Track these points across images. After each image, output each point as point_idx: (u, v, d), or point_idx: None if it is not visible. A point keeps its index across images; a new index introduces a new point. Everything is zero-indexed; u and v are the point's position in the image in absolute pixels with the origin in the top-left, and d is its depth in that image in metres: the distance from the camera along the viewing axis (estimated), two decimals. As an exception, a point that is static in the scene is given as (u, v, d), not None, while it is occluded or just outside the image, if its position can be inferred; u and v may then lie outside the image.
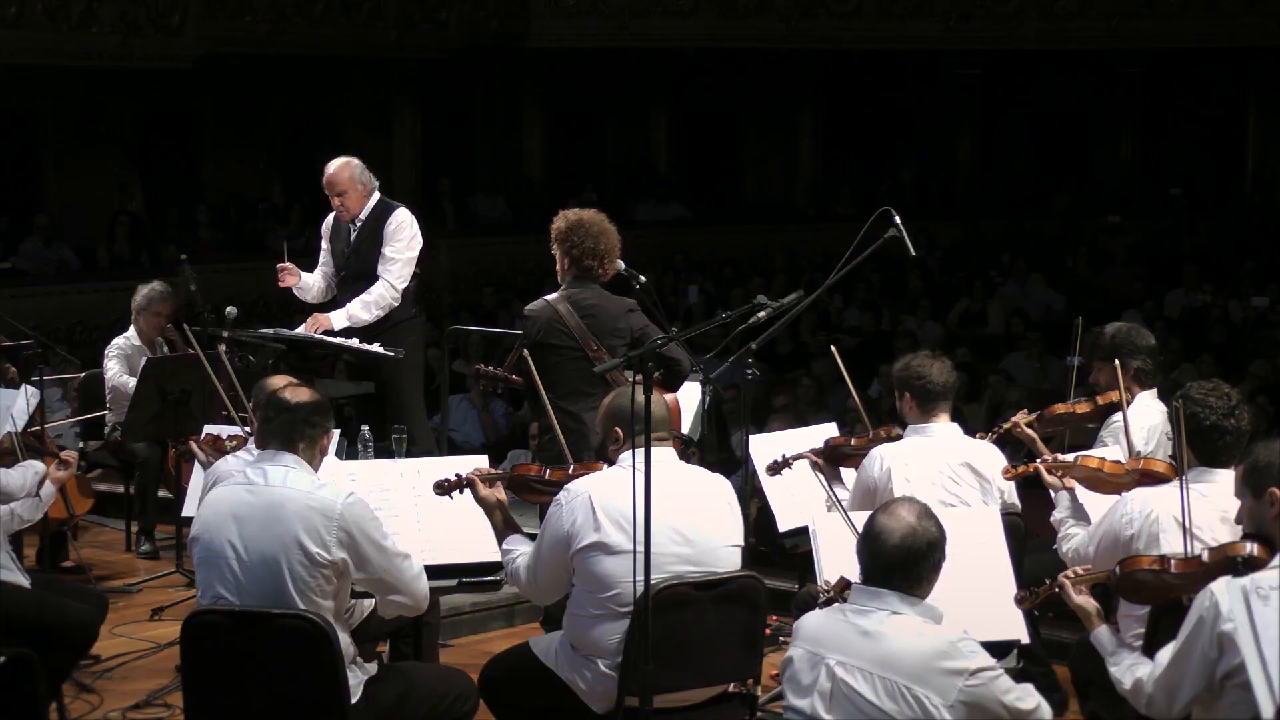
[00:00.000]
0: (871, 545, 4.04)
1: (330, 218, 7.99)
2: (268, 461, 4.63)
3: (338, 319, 7.64)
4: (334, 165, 7.78)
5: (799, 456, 6.08)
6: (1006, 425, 5.98)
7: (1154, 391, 6.13)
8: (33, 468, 6.05)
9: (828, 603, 4.37)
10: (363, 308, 7.65)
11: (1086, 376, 6.37)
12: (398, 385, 7.72)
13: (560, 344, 6.47)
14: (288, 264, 7.81)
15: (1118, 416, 5.94)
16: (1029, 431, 5.91)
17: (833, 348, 6.69)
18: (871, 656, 3.93)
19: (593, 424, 6.11)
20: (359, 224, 7.77)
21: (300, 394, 4.72)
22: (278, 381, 4.88)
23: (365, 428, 6.79)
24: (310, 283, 7.93)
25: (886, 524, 4.02)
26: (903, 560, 3.98)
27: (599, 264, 6.53)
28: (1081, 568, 4.57)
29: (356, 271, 7.76)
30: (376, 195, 7.81)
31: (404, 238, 7.72)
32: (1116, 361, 5.89)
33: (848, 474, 6.03)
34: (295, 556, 4.46)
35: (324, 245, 8.02)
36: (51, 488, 6.18)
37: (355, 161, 7.81)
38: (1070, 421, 6.11)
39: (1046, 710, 4.02)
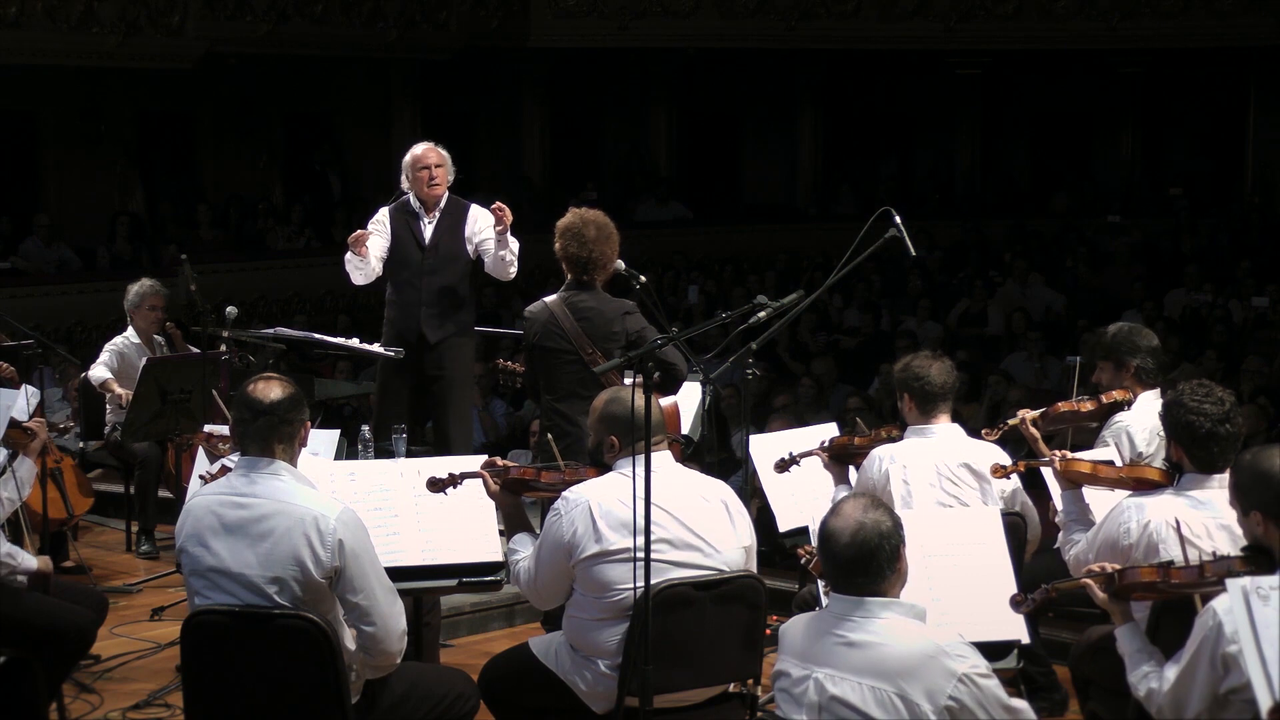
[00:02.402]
0: (825, 549, 3.99)
1: (385, 211, 7.76)
2: (253, 470, 4.53)
3: (511, 239, 7.47)
4: (423, 145, 7.69)
5: (807, 454, 6.08)
6: (1013, 421, 5.97)
7: (1157, 391, 6.12)
8: (7, 548, 5.85)
9: (806, 564, 4.43)
10: (511, 247, 7.51)
11: (1089, 375, 6.36)
12: (453, 393, 7.62)
13: (556, 346, 6.47)
14: (359, 232, 7.58)
15: (1119, 416, 5.93)
16: (1033, 430, 5.90)
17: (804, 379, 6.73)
18: (859, 666, 3.89)
19: (587, 427, 6.13)
20: (437, 215, 7.62)
21: (272, 390, 4.55)
22: (251, 381, 4.74)
23: (365, 427, 6.79)
24: (372, 261, 7.63)
25: (835, 525, 3.97)
26: (857, 556, 3.91)
27: (583, 272, 6.53)
28: (1111, 565, 4.53)
29: (436, 265, 7.59)
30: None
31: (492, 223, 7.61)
32: (1122, 363, 5.91)
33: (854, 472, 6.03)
34: (290, 571, 4.42)
35: (381, 236, 7.67)
36: (30, 461, 6.14)
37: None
38: (1074, 419, 6.10)
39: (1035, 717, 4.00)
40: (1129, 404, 5.96)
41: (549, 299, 6.58)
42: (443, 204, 7.63)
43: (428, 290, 7.59)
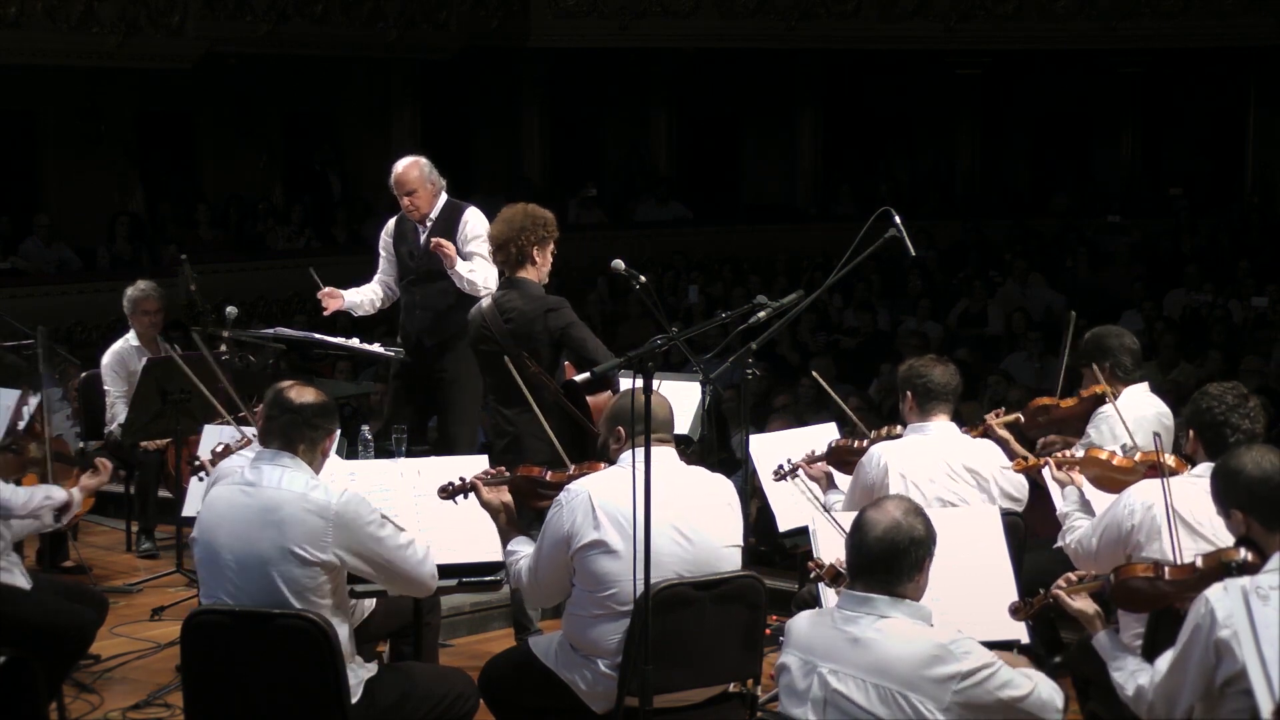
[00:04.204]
0: (855, 538, 4.03)
1: (391, 223, 7.84)
2: (265, 461, 4.63)
3: (461, 264, 7.38)
4: (402, 164, 7.63)
5: (803, 463, 6.10)
6: (989, 419, 6.04)
7: (1144, 386, 6.18)
8: (44, 491, 5.99)
9: (818, 578, 4.48)
10: (469, 269, 7.41)
11: (1074, 375, 6.40)
12: (456, 393, 7.64)
13: (488, 349, 6.52)
14: (328, 289, 7.70)
15: (1102, 410, 6.00)
16: (1002, 433, 5.96)
17: (815, 373, 6.76)
18: (863, 664, 3.92)
19: (524, 428, 6.18)
20: (429, 223, 7.62)
21: (305, 394, 4.69)
22: (285, 381, 4.87)
23: (365, 427, 6.79)
24: (360, 299, 7.78)
25: (872, 517, 4.02)
26: (884, 554, 3.96)
27: (502, 263, 6.59)
28: (1075, 574, 4.56)
29: (428, 271, 7.59)
30: (445, 195, 7.66)
31: (485, 231, 7.46)
32: (1095, 364, 5.99)
33: (843, 481, 6.01)
34: (289, 559, 4.46)
35: (383, 253, 7.83)
36: (80, 495, 6.20)
37: (423, 160, 7.66)
38: (1056, 415, 6.14)
39: (1044, 690, 4.02)
40: (1114, 396, 6.02)
41: (484, 300, 6.63)
42: (436, 211, 7.63)
43: (422, 295, 7.64)
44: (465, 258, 7.53)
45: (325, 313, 7.84)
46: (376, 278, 7.89)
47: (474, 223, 7.58)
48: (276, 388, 4.77)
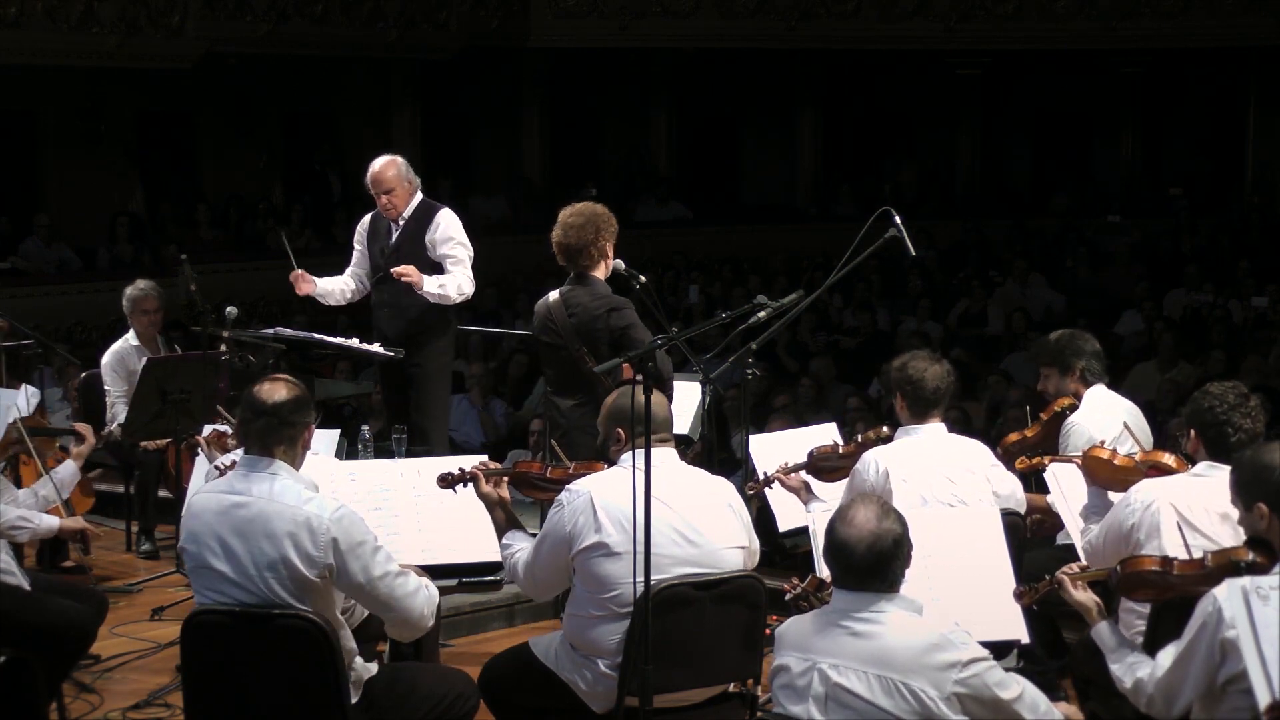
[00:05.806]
0: (840, 558, 4.04)
1: (366, 219, 7.90)
2: (252, 469, 4.55)
3: (430, 282, 7.43)
4: (379, 163, 7.68)
5: (779, 474, 6.05)
6: None
7: (1102, 386, 6.16)
8: (19, 512, 5.97)
9: (797, 599, 4.49)
10: (439, 284, 7.47)
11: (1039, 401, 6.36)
12: (426, 388, 7.66)
13: (550, 341, 6.57)
14: (300, 271, 7.73)
15: (1070, 422, 5.98)
16: None
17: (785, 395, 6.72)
18: (865, 656, 3.96)
19: (576, 421, 6.18)
20: (401, 223, 7.66)
21: (277, 391, 4.56)
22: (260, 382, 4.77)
23: (365, 427, 6.79)
24: (332, 288, 7.81)
25: (849, 535, 4.03)
26: (875, 564, 4.00)
27: (570, 261, 6.59)
28: (1079, 565, 4.59)
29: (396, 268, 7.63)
30: (420, 194, 7.71)
31: (458, 233, 7.59)
32: (1071, 366, 5.99)
33: (830, 489, 5.97)
34: (282, 572, 4.43)
35: (357, 247, 7.90)
36: (74, 465, 6.19)
37: (400, 159, 7.72)
38: (1030, 443, 6.13)
39: (1031, 694, 4.05)
40: (1074, 407, 6.00)
41: (552, 293, 6.64)
42: (410, 211, 7.67)
43: (391, 293, 7.66)
44: (437, 260, 7.55)
45: (299, 293, 7.83)
46: (349, 269, 7.90)
47: (445, 225, 7.62)
48: (248, 388, 4.65)
